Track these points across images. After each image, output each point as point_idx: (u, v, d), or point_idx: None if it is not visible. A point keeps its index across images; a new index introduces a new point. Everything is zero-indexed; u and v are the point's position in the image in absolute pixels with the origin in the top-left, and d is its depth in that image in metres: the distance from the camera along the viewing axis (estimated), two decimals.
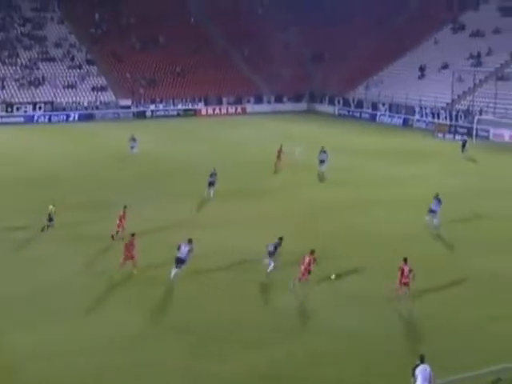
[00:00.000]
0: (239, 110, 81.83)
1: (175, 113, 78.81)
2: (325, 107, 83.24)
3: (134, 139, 52.32)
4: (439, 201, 32.93)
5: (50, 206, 32.48)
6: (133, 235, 26.99)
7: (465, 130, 64.06)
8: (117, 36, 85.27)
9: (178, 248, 26.32)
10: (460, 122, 66.23)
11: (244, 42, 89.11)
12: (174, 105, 79.24)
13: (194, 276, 26.63)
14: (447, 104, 70.50)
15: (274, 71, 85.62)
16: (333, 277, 26.02)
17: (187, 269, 26.57)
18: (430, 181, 43.53)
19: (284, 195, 39.95)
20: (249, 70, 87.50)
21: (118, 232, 30.68)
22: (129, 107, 77.33)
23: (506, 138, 61.21)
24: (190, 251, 26.29)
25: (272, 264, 26.58)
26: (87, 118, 74.35)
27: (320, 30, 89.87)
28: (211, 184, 38.57)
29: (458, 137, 63.46)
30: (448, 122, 67.28)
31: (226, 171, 41.57)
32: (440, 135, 65.12)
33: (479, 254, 29.36)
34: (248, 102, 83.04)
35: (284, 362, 20.25)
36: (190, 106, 79.91)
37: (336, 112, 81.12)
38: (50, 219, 32.25)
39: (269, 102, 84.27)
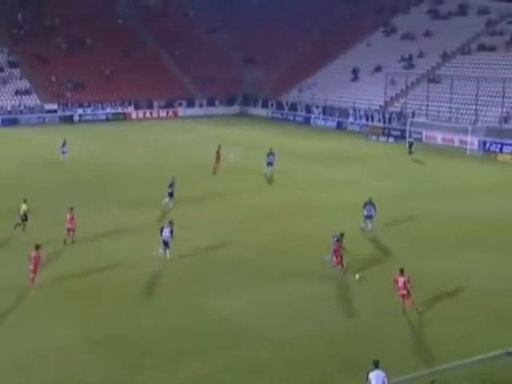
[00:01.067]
0: (171, 113, 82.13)
1: (104, 117, 78.48)
2: (258, 110, 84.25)
3: (65, 144, 51.89)
4: (373, 206, 33.57)
5: (23, 205, 32.81)
6: (37, 248, 26.21)
7: (398, 133, 65.36)
8: (41, 37, 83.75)
9: (161, 231, 28.98)
10: (393, 125, 67.35)
11: (175, 43, 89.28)
12: (102, 109, 78.90)
13: (137, 285, 26.74)
14: (380, 106, 72.02)
15: (205, 74, 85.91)
16: (357, 277, 26.46)
17: (134, 275, 27.08)
18: (364, 184, 44.41)
19: (225, 200, 40.31)
20: (180, 73, 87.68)
21: (70, 235, 31.42)
22: (55, 111, 76.67)
23: (439, 140, 62.45)
24: (171, 232, 28.90)
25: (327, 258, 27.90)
26: (11, 122, 73.09)
27: (251, 32, 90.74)
28: (171, 195, 38.08)
29: (390, 139, 65.52)
30: (381, 125, 68.43)
31: (163, 177, 41.77)
32: (374, 138, 66.44)
33: (416, 256, 30.12)
34: (180, 105, 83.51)
35: (223, 373, 20.11)
36: (120, 110, 79.76)
37: (269, 115, 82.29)
38: (25, 218, 32.60)
39: (201, 106, 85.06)
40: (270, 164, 47.13)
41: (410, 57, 76.94)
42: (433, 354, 21.31)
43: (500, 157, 56.57)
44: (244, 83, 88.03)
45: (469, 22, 77.69)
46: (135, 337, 22.32)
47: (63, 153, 51.35)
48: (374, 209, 33.62)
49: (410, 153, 56.84)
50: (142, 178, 45.40)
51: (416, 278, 24.68)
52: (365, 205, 33.82)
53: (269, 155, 47.45)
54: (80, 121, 76.87)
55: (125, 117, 79.54)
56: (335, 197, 41.13)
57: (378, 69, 77.67)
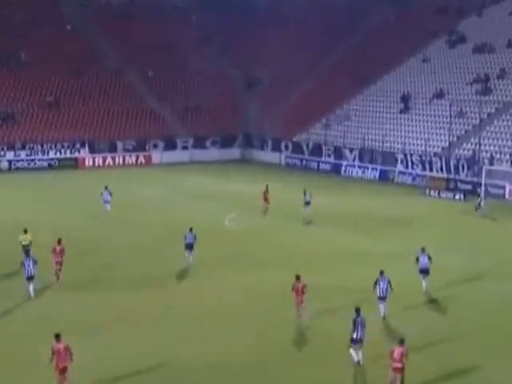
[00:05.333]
0: (142, 159, 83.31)
1: (46, 164, 79.74)
2: (267, 155, 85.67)
3: (108, 191, 55.56)
4: (429, 257, 38.05)
5: (22, 236, 39.92)
6: (57, 337, 26.66)
7: (469, 187, 65.08)
8: None
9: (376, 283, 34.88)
10: (462, 175, 67.58)
11: (147, 58, 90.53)
12: (43, 152, 79.92)
13: None
14: (443, 149, 71.94)
15: (191, 102, 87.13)
16: None
17: None
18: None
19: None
20: (155, 101, 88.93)
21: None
22: None
23: None
24: (429, 258, 37.86)
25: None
26: None
27: (257, 43, 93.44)
28: (188, 247, 42.34)
29: (458, 195, 64.73)
30: (445, 175, 68.58)
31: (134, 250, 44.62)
32: (433, 193, 66.01)
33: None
34: (154, 147, 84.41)
35: None
36: (69, 154, 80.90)
37: (283, 161, 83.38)
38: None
39: (185, 148, 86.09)
40: (307, 203, 55.73)
41: (487, 77, 76.92)
42: None
43: None
44: (246, 116, 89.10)
45: None
46: None
47: (106, 202, 55.35)
48: (430, 260, 38.11)
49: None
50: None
51: None
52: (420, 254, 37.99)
53: (305, 194, 55.97)
54: (10, 169, 77.97)
55: (76, 164, 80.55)
56: (371, 276, 39.17)
57: (440, 95, 78.14)
